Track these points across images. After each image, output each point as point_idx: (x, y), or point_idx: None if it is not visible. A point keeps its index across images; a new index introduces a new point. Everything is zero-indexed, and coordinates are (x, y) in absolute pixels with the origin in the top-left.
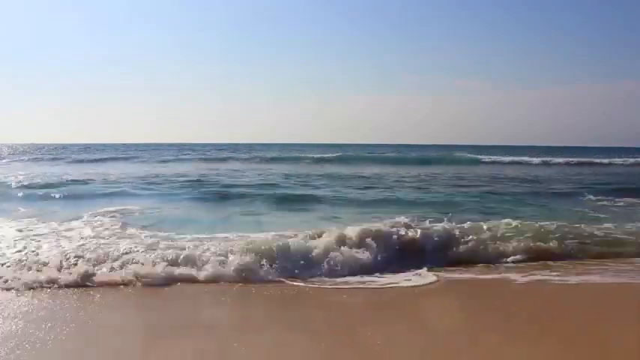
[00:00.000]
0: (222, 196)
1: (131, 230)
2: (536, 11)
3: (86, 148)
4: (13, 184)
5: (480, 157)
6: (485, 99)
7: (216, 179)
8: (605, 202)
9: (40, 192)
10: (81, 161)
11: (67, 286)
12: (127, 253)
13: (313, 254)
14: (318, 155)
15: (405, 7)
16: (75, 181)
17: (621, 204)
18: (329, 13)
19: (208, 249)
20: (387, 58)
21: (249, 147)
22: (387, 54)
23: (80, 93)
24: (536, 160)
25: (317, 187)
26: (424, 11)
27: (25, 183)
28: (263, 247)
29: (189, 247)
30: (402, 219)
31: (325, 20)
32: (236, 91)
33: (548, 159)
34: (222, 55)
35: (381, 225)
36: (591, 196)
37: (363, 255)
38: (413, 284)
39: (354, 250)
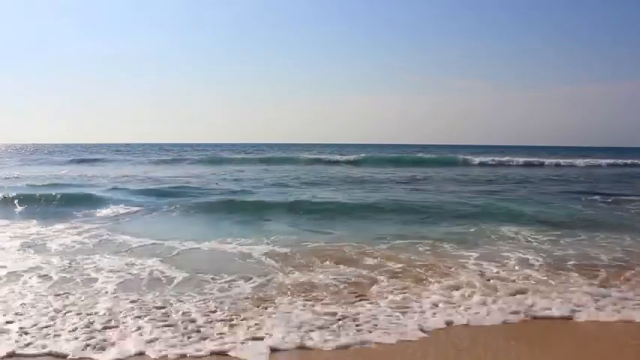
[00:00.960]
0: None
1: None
2: (536, 11)
3: (87, 148)
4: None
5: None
6: (485, 99)
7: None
8: None
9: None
10: (80, 161)
11: None
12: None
13: None
14: (344, 157)
15: (405, 7)
16: (69, 185)
17: None
18: (329, 13)
19: None
20: (387, 58)
21: (255, 147)
22: (387, 54)
23: (80, 93)
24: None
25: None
26: (424, 11)
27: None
28: None
29: None
30: None
31: (325, 20)
32: (236, 91)
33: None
34: (223, 55)
35: None
36: None
37: None
38: None
39: None
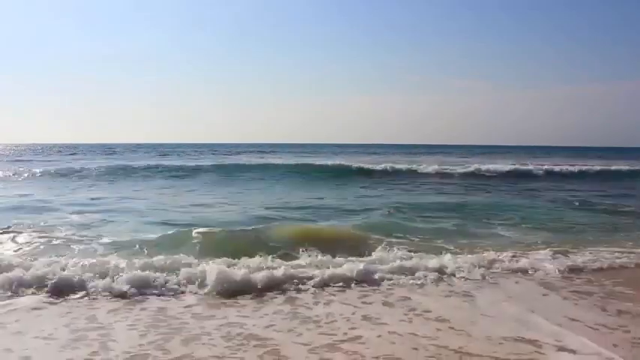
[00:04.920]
0: None
1: None
2: (536, 11)
3: (88, 148)
4: None
5: None
6: (485, 99)
7: None
8: None
9: None
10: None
11: None
12: None
13: None
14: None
15: (405, 7)
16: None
17: None
18: (329, 13)
19: None
20: (387, 58)
21: (259, 147)
22: (387, 54)
23: (80, 93)
24: None
25: None
26: (424, 11)
27: None
28: None
29: None
30: None
31: (325, 20)
32: (236, 91)
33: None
34: (223, 55)
35: None
36: None
37: None
38: None
39: None
